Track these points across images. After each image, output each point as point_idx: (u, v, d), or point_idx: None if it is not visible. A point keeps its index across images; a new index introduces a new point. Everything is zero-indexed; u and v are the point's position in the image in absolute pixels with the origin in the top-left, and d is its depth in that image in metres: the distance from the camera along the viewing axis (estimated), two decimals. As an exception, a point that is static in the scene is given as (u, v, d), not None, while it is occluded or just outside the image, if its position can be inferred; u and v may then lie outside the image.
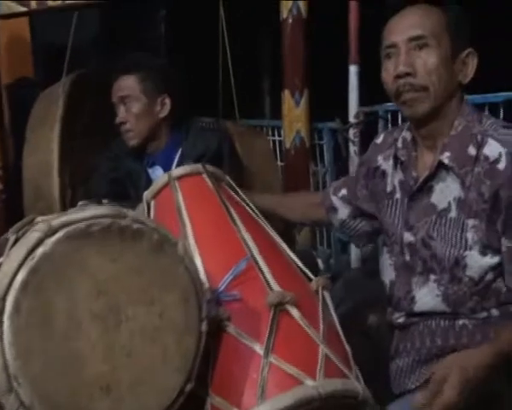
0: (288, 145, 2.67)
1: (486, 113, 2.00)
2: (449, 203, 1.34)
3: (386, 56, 1.36)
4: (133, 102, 2.00)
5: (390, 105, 2.41)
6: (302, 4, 2.53)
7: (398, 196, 1.47)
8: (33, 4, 2.48)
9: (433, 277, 1.37)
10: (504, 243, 1.28)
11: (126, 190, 2.12)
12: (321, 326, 1.16)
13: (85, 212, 0.93)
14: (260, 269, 1.21)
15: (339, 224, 1.69)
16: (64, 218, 0.92)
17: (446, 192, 1.35)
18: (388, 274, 1.50)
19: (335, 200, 1.67)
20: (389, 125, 2.57)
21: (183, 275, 1.01)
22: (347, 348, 1.23)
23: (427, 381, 1.37)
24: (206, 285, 1.19)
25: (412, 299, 1.41)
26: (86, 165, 2.40)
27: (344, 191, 1.66)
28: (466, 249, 1.31)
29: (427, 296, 1.39)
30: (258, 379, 1.05)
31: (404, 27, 1.33)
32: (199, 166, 1.55)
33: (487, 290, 1.32)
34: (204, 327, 1.03)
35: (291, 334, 1.12)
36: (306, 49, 2.60)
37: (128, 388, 0.93)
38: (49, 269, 0.88)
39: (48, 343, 0.87)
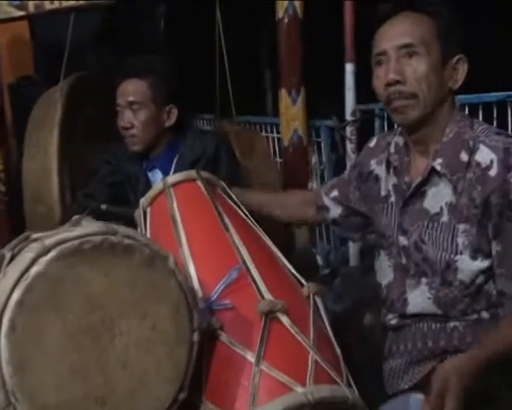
0: (286, 143, 2.69)
1: (480, 112, 2.03)
2: (441, 208, 1.36)
3: (377, 63, 1.38)
4: (142, 109, 1.98)
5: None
6: (298, 4, 2.54)
7: (392, 199, 1.49)
8: (31, 8, 2.50)
9: (424, 280, 1.40)
10: (494, 247, 1.30)
11: (125, 194, 2.14)
12: (311, 333, 1.19)
13: (77, 230, 0.97)
14: (252, 277, 1.24)
15: (331, 221, 1.73)
16: (57, 237, 0.95)
17: (438, 197, 1.37)
18: (387, 276, 1.52)
19: (327, 200, 1.70)
20: (385, 122, 2.59)
21: (174, 288, 1.04)
22: (338, 352, 1.26)
23: (421, 382, 1.42)
24: (200, 294, 1.23)
25: (405, 301, 1.44)
26: (86, 168, 2.43)
27: (335, 193, 1.69)
28: (457, 253, 1.33)
29: (418, 299, 1.41)
30: (250, 387, 1.08)
31: (393, 35, 1.35)
32: (193, 173, 1.58)
33: (478, 293, 1.34)
34: (196, 338, 1.06)
35: (282, 341, 1.15)
36: (302, 48, 2.61)
37: (122, 399, 0.96)
38: (43, 287, 0.91)
39: (43, 359, 0.90)
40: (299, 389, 1.07)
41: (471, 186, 1.30)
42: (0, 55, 4.11)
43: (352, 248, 2.66)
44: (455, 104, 1.39)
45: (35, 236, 1.02)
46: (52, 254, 0.93)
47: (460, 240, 1.33)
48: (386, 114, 2.59)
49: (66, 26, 2.60)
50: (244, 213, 1.56)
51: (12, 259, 0.98)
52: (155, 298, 1.01)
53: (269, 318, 1.16)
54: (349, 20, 2.58)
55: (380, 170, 1.54)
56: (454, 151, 1.34)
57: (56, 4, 2.50)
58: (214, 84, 2.79)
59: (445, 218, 1.36)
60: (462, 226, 1.33)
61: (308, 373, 1.10)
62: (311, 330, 1.20)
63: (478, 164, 1.30)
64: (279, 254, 1.44)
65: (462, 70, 1.36)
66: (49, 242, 0.94)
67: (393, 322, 1.48)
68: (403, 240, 1.44)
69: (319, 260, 2.88)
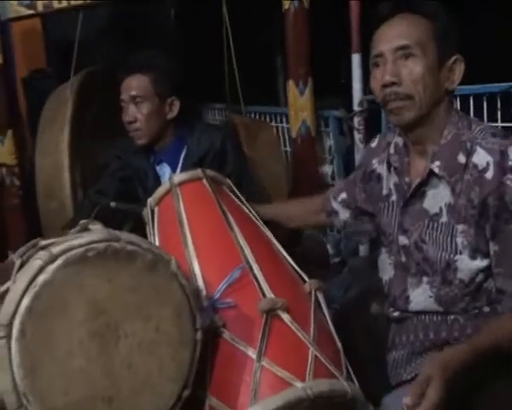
0: (294, 134, 2.71)
1: (484, 103, 2.03)
2: (440, 209, 1.38)
3: (374, 65, 1.39)
4: (145, 103, 2.03)
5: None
6: (304, -6, 2.55)
7: (393, 198, 1.51)
8: (40, 7, 2.54)
9: (425, 279, 1.42)
10: (492, 247, 1.31)
11: (135, 188, 2.19)
12: (311, 329, 1.23)
13: (82, 238, 1.01)
14: (255, 276, 1.29)
15: (341, 225, 1.76)
16: (63, 245, 0.99)
17: (438, 198, 1.38)
18: (387, 272, 1.55)
19: (336, 204, 1.73)
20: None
21: (177, 291, 1.08)
22: (339, 346, 1.30)
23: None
24: (204, 293, 1.27)
25: (407, 298, 1.47)
26: (94, 164, 2.48)
27: (343, 195, 1.72)
28: (456, 253, 1.35)
29: (420, 297, 1.44)
30: (251, 382, 1.13)
31: (390, 37, 1.35)
32: (199, 172, 1.62)
33: (478, 291, 1.36)
34: (199, 337, 1.11)
35: (282, 338, 1.19)
36: (309, 38, 2.62)
37: (128, 398, 1.01)
38: (50, 294, 0.96)
39: (52, 363, 0.95)
40: (299, 384, 1.11)
41: (469, 188, 1.32)
42: (13, 48, 4.18)
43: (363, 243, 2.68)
44: (452, 104, 1.40)
45: (43, 243, 1.08)
46: (58, 262, 0.97)
47: (459, 240, 1.35)
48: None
49: (77, 19, 2.64)
50: (249, 210, 1.60)
51: (22, 266, 1.03)
52: (158, 301, 1.06)
53: (270, 315, 1.20)
54: (355, 11, 2.58)
55: (381, 169, 1.56)
56: (452, 153, 1.35)
57: (65, 3, 2.53)
58: (231, 70, 2.82)
59: (444, 218, 1.37)
60: (460, 227, 1.34)
61: (308, 368, 1.15)
62: (312, 326, 1.24)
63: (475, 166, 1.31)
64: (282, 250, 1.47)
65: (459, 70, 1.36)
66: (55, 250, 0.98)
67: (396, 315, 1.51)
68: (403, 239, 1.46)
69: (329, 248, 2.91)
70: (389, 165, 1.52)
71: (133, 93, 2.03)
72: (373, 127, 2.62)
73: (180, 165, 2.12)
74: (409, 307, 1.47)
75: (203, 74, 4.26)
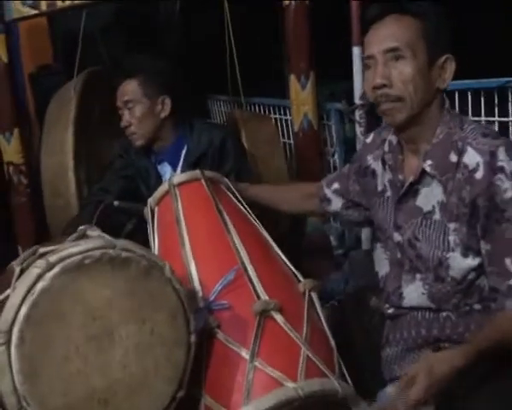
0: (296, 128, 2.73)
1: (482, 98, 2.04)
2: (433, 206, 1.40)
3: (366, 66, 1.41)
4: (136, 106, 2.09)
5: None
6: (304, -12, 2.55)
7: (388, 194, 1.54)
8: (43, 7, 2.57)
9: (418, 275, 1.45)
10: (484, 246, 1.33)
11: (138, 187, 2.23)
12: (304, 329, 1.26)
13: (79, 246, 1.05)
14: (249, 277, 1.32)
15: (333, 213, 1.80)
16: (60, 253, 1.03)
17: (430, 196, 1.41)
18: (383, 268, 1.58)
19: (329, 192, 1.76)
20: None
21: (171, 295, 1.12)
22: (332, 345, 1.33)
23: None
24: (200, 294, 1.31)
25: (401, 295, 1.50)
26: (100, 160, 2.53)
27: (336, 185, 1.75)
28: (448, 251, 1.38)
29: (413, 293, 1.47)
30: (244, 382, 1.16)
31: (380, 39, 1.37)
32: (197, 173, 1.66)
33: (470, 288, 1.39)
34: (193, 339, 1.15)
35: (275, 339, 1.23)
36: (310, 32, 2.62)
37: (124, 399, 1.05)
38: (48, 301, 1.00)
39: (50, 367, 0.99)
40: (290, 384, 1.15)
41: (460, 186, 1.34)
42: (20, 45, 4.23)
43: (365, 232, 2.70)
44: (444, 103, 1.41)
45: (42, 250, 1.12)
46: (56, 269, 1.01)
47: (451, 238, 1.37)
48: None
49: (83, 14, 2.67)
50: (246, 210, 1.64)
51: (21, 273, 1.07)
52: (153, 305, 1.10)
53: (263, 316, 1.23)
54: (355, 3, 2.59)
55: (376, 165, 1.59)
56: (444, 152, 1.37)
57: (68, 2, 2.56)
58: (232, 63, 2.84)
59: (437, 216, 1.40)
60: (452, 225, 1.37)
61: (299, 369, 1.18)
62: (305, 326, 1.27)
63: (465, 166, 1.33)
64: (278, 250, 1.50)
65: (450, 69, 1.38)
66: (52, 258, 1.02)
67: (390, 311, 1.55)
68: (397, 236, 1.49)
69: (332, 240, 2.94)
70: (384, 162, 1.54)
71: (125, 98, 2.10)
72: (374, 120, 2.63)
73: (181, 164, 2.16)
74: (402, 303, 1.50)
75: (208, 66, 4.28)
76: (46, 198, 2.47)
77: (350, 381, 1.29)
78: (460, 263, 1.37)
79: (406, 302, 1.49)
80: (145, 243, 1.60)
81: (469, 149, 1.33)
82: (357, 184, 1.68)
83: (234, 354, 1.21)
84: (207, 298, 1.29)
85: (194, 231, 1.47)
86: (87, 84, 2.51)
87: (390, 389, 1.19)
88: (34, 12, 2.58)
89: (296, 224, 2.50)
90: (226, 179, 1.73)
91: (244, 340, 1.21)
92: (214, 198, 1.56)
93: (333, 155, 2.98)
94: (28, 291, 1.00)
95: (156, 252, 1.52)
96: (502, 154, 1.28)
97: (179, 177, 1.66)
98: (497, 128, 2.12)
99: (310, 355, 1.21)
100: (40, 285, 1.00)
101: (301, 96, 2.69)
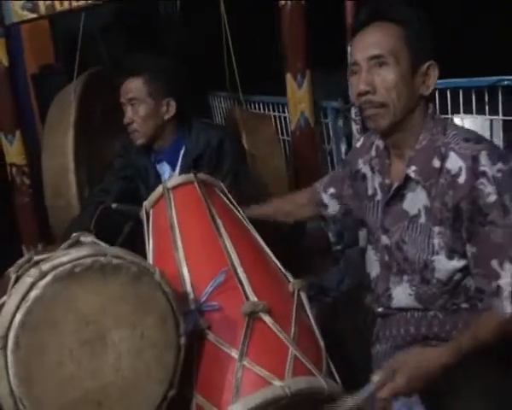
0: (293, 126, 2.76)
1: (473, 96, 2.07)
2: (419, 210, 1.44)
3: (352, 72, 1.44)
4: (140, 104, 2.12)
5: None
6: (300, -12, 2.58)
7: (378, 197, 1.57)
8: (42, 10, 2.61)
9: (405, 277, 1.49)
10: (469, 249, 1.36)
11: (137, 186, 2.28)
12: (292, 329, 1.30)
13: (70, 254, 1.09)
14: (239, 279, 1.36)
15: (330, 217, 1.83)
16: (52, 262, 1.07)
17: (416, 200, 1.44)
18: (373, 269, 1.62)
19: (325, 197, 1.80)
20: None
21: (161, 299, 1.16)
22: (321, 344, 1.37)
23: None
24: (191, 296, 1.35)
25: (389, 296, 1.54)
26: (102, 160, 2.58)
27: (332, 190, 1.78)
28: (433, 254, 1.41)
29: (401, 295, 1.51)
30: (234, 381, 1.21)
31: (364, 46, 1.40)
32: (190, 176, 1.70)
33: (456, 289, 1.43)
34: (182, 341, 1.19)
35: (263, 339, 1.27)
36: (306, 32, 2.65)
37: (117, 400, 1.10)
38: (41, 309, 1.05)
39: (45, 371, 1.04)
40: (277, 383, 1.19)
41: (443, 191, 1.36)
42: (22, 46, 4.28)
43: (363, 231, 2.73)
44: (428, 109, 1.43)
45: (36, 258, 1.17)
46: (48, 278, 1.06)
47: (436, 241, 1.40)
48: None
49: (85, 13, 2.71)
50: (238, 212, 1.67)
51: (17, 280, 1.12)
52: (143, 310, 1.14)
53: (252, 317, 1.27)
54: (350, 3, 2.61)
55: (366, 169, 1.62)
56: (427, 158, 1.39)
57: (66, 5, 2.60)
58: (230, 62, 2.87)
59: (422, 220, 1.43)
60: (437, 229, 1.40)
61: (287, 368, 1.22)
62: (293, 326, 1.31)
63: (448, 171, 1.35)
64: (268, 251, 1.54)
65: (434, 76, 1.40)
66: (45, 267, 1.07)
67: (380, 310, 1.59)
68: (385, 239, 1.52)
69: (331, 237, 2.97)
70: (372, 166, 1.58)
71: (129, 96, 2.12)
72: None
73: (179, 163, 2.20)
74: (391, 304, 1.54)
75: (208, 63, 4.32)
76: (48, 199, 2.53)
77: (338, 378, 1.33)
78: (445, 265, 1.41)
79: (395, 303, 1.53)
80: (142, 244, 1.65)
81: (452, 154, 1.35)
82: (350, 188, 1.72)
83: (224, 355, 1.25)
84: (199, 300, 1.33)
85: (186, 235, 1.51)
86: (87, 86, 2.55)
87: (374, 377, 1.22)
88: (33, 15, 2.63)
89: (298, 223, 2.55)
90: (220, 182, 1.77)
91: (234, 340, 1.25)
92: (207, 201, 1.59)
93: (330, 153, 3.00)
94: (22, 299, 1.04)
95: (151, 254, 1.56)
96: (484, 158, 1.31)
97: (173, 180, 1.70)
98: (488, 126, 2.14)
99: (297, 355, 1.25)
100: (34, 293, 1.05)
101: (298, 94, 2.72)
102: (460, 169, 1.33)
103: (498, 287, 1.32)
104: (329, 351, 1.40)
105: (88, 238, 1.28)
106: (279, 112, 3.40)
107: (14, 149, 2.77)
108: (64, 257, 1.09)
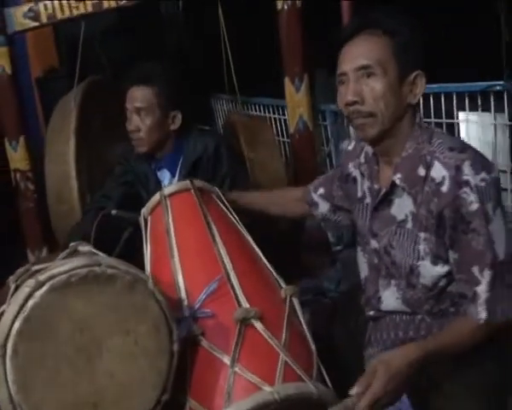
0: (292, 130, 2.80)
1: (466, 100, 2.10)
2: (406, 216, 1.47)
3: (340, 83, 1.47)
4: (148, 114, 2.15)
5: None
6: (296, -6, 2.61)
7: (367, 200, 1.60)
8: (44, 19, 2.66)
9: (393, 281, 1.52)
10: (452, 255, 1.40)
11: (138, 192, 2.32)
12: (283, 335, 1.34)
13: (66, 265, 1.14)
14: (232, 286, 1.40)
15: (320, 217, 1.87)
16: (49, 272, 1.12)
17: (403, 206, 1.47)
18: (363, 271, 1.65)
19: (315, 197, 1.84)
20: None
21: (154, 307, 1.21)
22: (312, 348, 1.40)
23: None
24: (186, 303, 1.40)
25: (379, 299, 1.57)
26: (104, 165, 2.62)
27: (322, 190, 1.82)
28: (419, 259, 1.44)
29: (390, 298, 1.54)
30: (226, 386, 1.25)
31: (352, 57, 1.43)
32: (187, 183, 1.74)
33: (441, 294, 1.46)
34: (175, 348, 1.24)
35: (254, 345, 1.31)
36: (303, 36, 2.68)
37: (112, 404, 1.15)
38: (39, 317, 1.10)
39: (43, 377, 1.09)
40: (267, 388, 1.23)
41: (428, 199, 1.39)
42: (27, 50, 4.34)
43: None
44: (415, 118, 1.46)
45: (34, 268, 1.21)
46: (45, 288, 1.11)
47: (421, 247, 1.43)
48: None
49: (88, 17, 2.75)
50: (234, 219, 1.71)
51: (16, 290, 1.17)
52: (137, 317, 1.19)
53: (243, 324, 1.31)
54: (346, 3, 2.65)
55: (356, 173, 1.65)
56: (412, 166, 1.42)
57: (67, 13, 2.64)
58: (228, 64, 2.91)
59: (409, 225, 1.46)
60: (422, 235, 1.43)
61: (277, 373, 1.26)
62: (284, 332, 1.35)
63: (433, 179, 1.38)
64: (262, 256, 1.58)
65: (421, 85, 1.43)
66: (42, 277, 1.11)
67: (371, 313, 1.62)
68: (374, 243, 1.56)
69: (330, 237, 3.00)
70: (361, 172, 1.61)
71: (137, 105, 2.14)
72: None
73: (178, 170, 2.25)
74: (381, 307, 1.58)
75: (210, 64, 4.36)
76: (51, 204, 2.58)
77: (329, 383, 1.37)
78: (430, 271, 1.44)
79: (384, 306, 1.56)
80: (142, 249, 1.69)
81: (436, 163, 1.38)
82: (340, 189, 1.75)
83: (217, 361, 1.29)
84: (193, 306, 1.37)
85: (182, 242, 1.55)
86: (87, 93, 2.60)
87: (353, 390, 1.25)
88: (35, 24, 2.67)
89: (296, 221, 2.58)
90: (216, 189, 1.81)
91: (226, 347, 1.30)
92: (203, 208, 1.64)
93: (328, 155, 3.04)
94: (21, 308, 1.09)
95: (148, 260, 1.61)
96: (467, 168, 1.33)
97: (170, 188, 1.74)
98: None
99: (288, 361, 1.29)
100: (31, 302, 1.10)
101: (296, 98, 2.76)
102: (444, 178, 1.36)
103: (475, 293, 1.35)
104: (325, 353, 1.44)
105: (85, 248, 1.33)
106: (279, 114, 3.44)
107: (18, 154, 2.81)
108: (60, 267, 1.13)
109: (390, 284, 1.53)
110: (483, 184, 1.33)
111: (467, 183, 1.33)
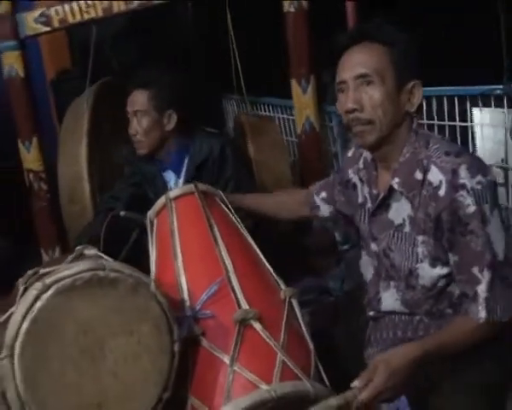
0: (298, 131, 2.84)
1: (468, 103, 2.12)
2: (403, 220, 1.51)
3: (339, 90, 1.51)
4: (143, 117, 2.24)
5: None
6: (303, -4, 2.64)
7: (368, 205, 1.64)
8: (56, 24, 2.72)
9: (392, 283, 1.56)
10: (451, 257, 1.43)
11: (145, 192, 2.39)
12: (281, 336, 1.39)
13: (72, 269, 1.19)
14: (232, 288, 1.45)
15: (323, 219, 1.92)
16: (55, 276, 1.18)
17: (400, 210, 1.51)
18: (367, 273, 1.69)
19: (317, 200, 1.89)
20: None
21: (155, 308, 1.26)
22: (311, 348, 1.44)
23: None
24: (188, 303, 1.45)
25: (379, 300, 1.61)
26: (114, 166, 2.69)
27: (324, 194, 1.87)
28: (418, 262, 1.48)
29: (389, 299, 1.58)
30: (225, 385, 1.30)
31: (351, 66, 1.47)
32: (191, 187, 1.79)
33: (440, 295, 1.49)
34: (176, 348, 1.29)
35: (253, 345, 1.36)
36: (309, 38, 2.72)
37: (115, 402, 1.20)
38: (45, 319, 1.16)
39: (49, 377, 1.15)
40: (265, 387, 1.27)
41: (426, 202, 1.43)
42: (41, 52, 4.42)
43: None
44: (412, 124, 1.50)
45: (42, 271, 1.27)
46: (51, 291, 1.17)
47: (420, 250, 1.47)
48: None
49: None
50: (237, 221, 1.76)
51: (24, 292, 1.23)
52: (139, 319, 1.24)
53: (242, 325, 1.36)
54: (351, 4, 2.67)
55: (356, 179, 1.69)
56: (410, 170, 1.46)
57: (78, 18, 2.70)
58: (246, 64, 2.95)
59: (406, 229, 1.50)
60: (420, 238, 1.46)
61: (275, 372, 1.31)
62: (282, 333, 1.39)
63: (430, 183, 1.42)
64: (263, 259, 1.63)
65: (418, 94, 1.47)
66: (48, 280, 1.17)
67: (371, 314, 1.66)
68: (374, 246, 1.60)
69: (337, 236, 3.04)
70: (360, 177, 1.65)
71: (135, 108, 2.25)
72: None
73: (184, 171, 2.31)
74: (381, 308, 1.62)
75: (222, 65, 4.40)
76: (63, 205, 2.64)
77: (327, 382, 1.41)
78: (428, 273, 1.47)
79: (384, 307, 1.60)
80: (148, 250, 1.75)
81: (433, 168, 1.42)
82: (341, 195, 1.79)
83: (217, 360, 1.34)
84: (194, 307, 1.43)
85: (186, 244, 1.60)
86: (99, 96, 2.66)
87: (355, 383, 1.29)
88: (47, 29, 2.73)
89: (300, 222, 2.62)
90: (220, 192, 1.86)
91: (226, 347, 1.34)
92: (206, 211, 1.68)
93: (335, 155, 3.07)
94: (28, 310, 1.15)
95: (153, 262, 1.66)
96: (463, 172, 1.37)
97: (175, 191, 1.80)
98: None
99: (285, 360, 1.33)
100: (38, 304, 1.15)
101: (303, 99, 2.79)
102: (440, 182, 1.40)
103: (476, 292, 1.39)
104: (326, 353, 1.48)
105: (91, 251, 1.39)
106: (287, 114, 3.47)
107: (31, 155, 2.87)
108: (66, 271, 1.19)
109: (390, 286, 1.57)
110: (479, 186, 1.37)
111: (463, 186, 1.36)
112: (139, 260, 1.74)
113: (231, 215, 1.78)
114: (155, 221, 1.81)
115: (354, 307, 1.83)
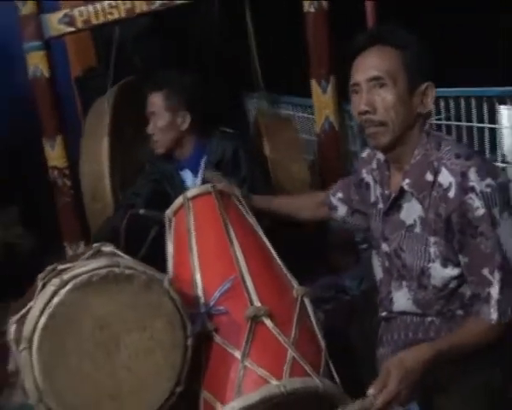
0: (318, 130, 2.85)
1: (485, 105, 2.12)
2: (414, 220, 1.53)
3: (353, 92, 1.54)
4: (159, 118, 2.32)
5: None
6: (323, -4, 2.65)
7: (380, 205, 1.66)
8: (79, 24, 2.78)
9: (404, 283, 1.58)
10: (462, 259, 1.45)
11: (165, 189, 2.45)
12: (292, 333, 1.42)
13: (89, 265, 1.24)
14: (245, 286, 1.48)
15: (340, 220, 1.93)
16: (73, 272, 1.23)
17: (411, 211, 1.53)
18: (377, 273, 1.72)
19: (334, 200, 1.91)
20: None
21: (168, 304, 1.30)
22: (322, 345, 1.47)
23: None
24: (202, 300, 1.49)
25: (391, 300, 1.63)
26: (135, 165, 2.75)
27: (340, 194, 1.89)
28: (429, 262, 1.50)
29: (401, 299, 1.60)
30: (236, 379, 1.33)
31: (364, 68, 1.49)
32: (208, 187, 1.83)
33: (452, 296, 1.51)
34: (189, 342, 1.32)
35: (264, 341, 1.39)
36: (329, 38, 2.73)
37: (128, 395, 1.25)
38: (62, 314, 1.20)
39: (66, 369, 1.20)
40: (274, 382, 1.31)
41: (436, 203, 1.45)
42: (67, 51, 4.50)
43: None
44: (424, 126, 1.52)
45: (60, 268, 1.32)
46: (68, 286, 1.21)
47: (432, 250, 1.49)
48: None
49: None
50: (252, 220, 1.79)
51: (43, 287, 1.28)
52: (153, 314, 1.28)
53: (254, 321, 1.39)
54: (370, 3, 2.68)
55: (369, 179, 1.72)
56: (420, 172, 1.48)
57: (102, 19, 2.75)
58: (269, 63, 2.98)
59: (418, 229, 1.52)
60: (432, 238, 1.48)
61: (285, 368, 1.34)
62: (293, 330, 1.42)
63: (440, 185, 1.44)
64: (277, 259, 1.66)
65: (431, 96, 1.49)
66: (66, 276, 1.22)
67: (384, 314, 1.68)
68: (385, 246, 1.62)
69: (356, 236, 3.04)
70: (373, 177, 1.68)
71: (151, 109, 2.33)
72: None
73: (201, 171, 2.36)
74: (393, 308, 1.63)
75: (245, 64, 4.43)
76: (86, 202, 2.71)
77: (337, 379, 1.43)
78: (440, 273, 1.49)
79: (396, 307, 1.62)
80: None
81: (443, 170, 1.44)
82: (356, 194, 1.82)
83: (228, 355, 1.38)
84: (208, 303, 1.46)
85: (202, 243, 1.64)
86: (120, 96, 2.71)
87: (370, 390, 1.31)
88: (70, 29, 2.78)
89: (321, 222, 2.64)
90: (237, 191, 1.89)
91: (238, 342, 1.38)
92: (221, 211, 1.72)
93: (355, 155, 3.08)
94: (46, 305, 1.20)
95: (171, 259, 1.71)
96: (473, 175, 1.38)
97: (192, 191, 1.83)
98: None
99: (295, 357, 1.36)
100: (56, 300, 1.20)
101: (322, 99, 2.80)
102: (450, 184, 1.41)
103: (488, 294, 1.40)
104: (341, 351, 1.51)
105: (108, 248, 1.43)
106: (308, 113, 3.49)
107: (56, 152, 2.93)
108: (83, 267, 1.24)
109: (401, 286, 1.59)
110: (488, 189, 1.38)
111: (472, 189, 1.38)
112: (157, 256, 1.79)
113: (247, 215, 1.81)
114: (173, 220, 1.85)
115: (369, 306, 1.85)
